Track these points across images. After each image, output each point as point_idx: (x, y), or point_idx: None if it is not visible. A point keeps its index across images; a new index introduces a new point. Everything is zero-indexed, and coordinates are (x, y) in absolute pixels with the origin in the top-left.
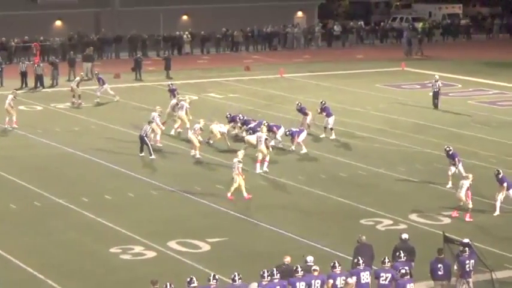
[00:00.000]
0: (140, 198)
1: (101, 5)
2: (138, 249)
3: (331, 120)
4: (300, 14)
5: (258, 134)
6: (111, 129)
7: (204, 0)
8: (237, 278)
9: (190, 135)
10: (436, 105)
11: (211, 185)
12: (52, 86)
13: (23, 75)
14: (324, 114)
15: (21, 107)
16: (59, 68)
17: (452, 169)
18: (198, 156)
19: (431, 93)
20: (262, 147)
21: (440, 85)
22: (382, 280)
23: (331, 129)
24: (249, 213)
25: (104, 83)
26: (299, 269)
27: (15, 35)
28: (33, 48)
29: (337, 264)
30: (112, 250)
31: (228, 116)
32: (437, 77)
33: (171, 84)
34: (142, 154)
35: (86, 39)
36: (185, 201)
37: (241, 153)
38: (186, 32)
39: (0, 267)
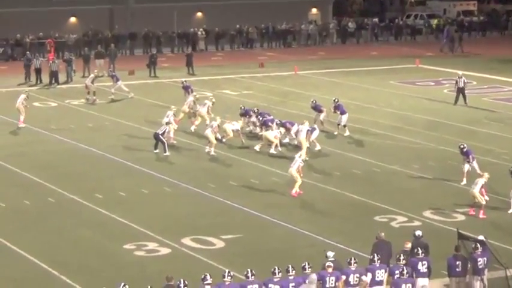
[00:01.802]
0: (154, 195)
1: (115, 2)
2: (152, 245)
3: (344, 118)
4: (314, 10)
5: (300, 126)
6: (125, 126)
7: None
8: (250, 274)
9: (208, 132)
10: (456, 101)
11: (225, 182)
12: (66, 82)
13: (38, 71)
14: (338, 112)
15: (36, 103)
16: (74, 65)
17: (467, 167)
18: (213, 153)
19: (453, 90)
20: (302, 138)
21: (466, 81)
22: (397, 277)
23: (345, 126)
24: (262, 210)
25: (117, 80)
26: (306, 267)
27: (29, 32)
28: (47, 45)
29: (352, 261)
30: (126, 247)
31: (242, 108)
32: (460, 73)
33: (185, 81)
34: (157, 151)
35: (100, 35)
36: (199, 198)
37: (303, 153)
38: (201, 29)
39: (14, 263)
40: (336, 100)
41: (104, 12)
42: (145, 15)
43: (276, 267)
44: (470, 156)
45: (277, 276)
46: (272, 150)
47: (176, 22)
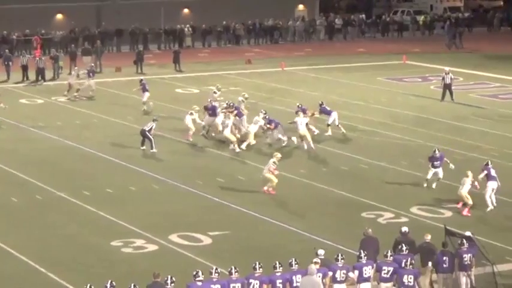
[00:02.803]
0: (142, 192)
1: None
2: (139, 242)
3: (334, 116)
4: (301, 7)
5: (299, 119)
6: (113, 123)
7: None
8: (233, 271)
9: (226, 132)
10: (443, 97)
11: (213, 179)
12: (53, 79)
13: (24, 68)
14: (324, 114)
15: (22, 100)
16: (61, 62)
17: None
18: (238, 150)
19: (439, 86)
20: (302, 130)
21: (452, 77)
22: (384, 273)
23: (338, 125)
24: (250, 206)
25: (91, 77)
26: (293, 263)
27: (16, 29)
28: (34, 42)
29: (339, 257)
30: (113, 243)
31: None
32: (447, 69)
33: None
34: (144, 148)
35: (87, 32)
36: (187, 195)
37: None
38: (187, 26)
39: (2, 260)
40: (321, 103)
41: (90, 9)
42: (132, 12)
43: (257, 263)
44: (440, 162)
45: (258, 271)
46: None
47: (163, 19)
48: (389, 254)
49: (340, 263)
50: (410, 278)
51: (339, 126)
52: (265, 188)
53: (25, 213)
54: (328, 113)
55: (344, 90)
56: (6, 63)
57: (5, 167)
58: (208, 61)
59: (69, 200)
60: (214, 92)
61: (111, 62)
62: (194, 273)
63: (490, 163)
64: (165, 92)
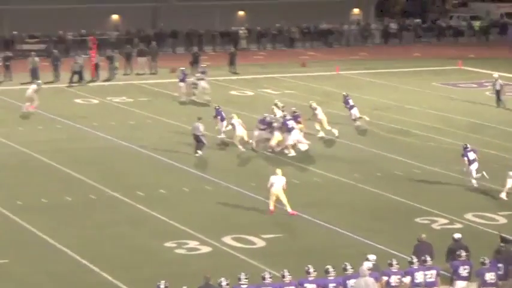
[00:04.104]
0: (195, 193)
1: (158, 0)
2: (192, 244)
3: (354, 111)
4: (356, 11)
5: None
6: (167, 124)
7: None
8: (286, 274)
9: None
10: (498, 104)
11: (266, 181)
12: (108, 79)
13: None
14: (347, 106)
15: (78, 100)
16: (116, 62)
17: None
18: (292, 154)
19: (491, 93)
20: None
21: (502, 83)
22: (428, 278)
23: (356, 119)
24: (303, 209)
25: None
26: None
27: (71, 29)
28: (90, 42)
29: (394, 262)
30: (167, 244)
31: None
32: (496, 75)
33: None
34: (200, 154)
35: (142, 33)
36: (240, 197)
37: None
38: (243, 28)
39: (55, 258)
40: (345, 94)
41: (146, 10)
42: (188, 13)
43: (310, 266)
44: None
45: (311, 275)
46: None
47: (218, 21)
48: (428, 259)
49: (394, 268)
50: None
51: (355, 120)
52: (273, 208)
53: (79, 212)
54: (350, 107)
55: (398, 95)
56: (54, 63)
57: (59, 166)
58: (263, 63)
59: (123, 200)
60: (276, 105)
61: (166, 63)
62: (238, 276)
63: None
64: (220, 94)
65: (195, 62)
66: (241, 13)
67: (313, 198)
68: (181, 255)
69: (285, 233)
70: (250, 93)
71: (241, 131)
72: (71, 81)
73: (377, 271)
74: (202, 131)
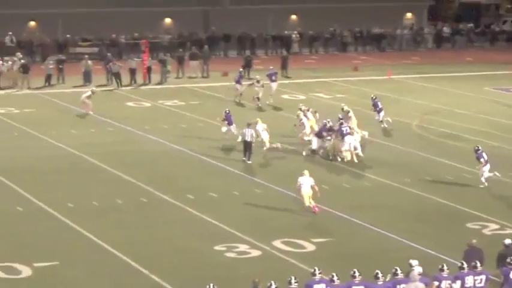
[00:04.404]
0: (245, 197)
1: (211, 3)
2: (242, 247)
3: (382, 114)
4: (409, 15)
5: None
6: (218, 127)
7: None
8: (335, 278)
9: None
10: None
11: (317, 185)
12: (161, 83)
13: (132, 72)
14: (376, 109)
15: (130, 103)
16: (168, 65)
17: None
18: (347, 159)
19: None
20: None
21: None
22: (478, 283)
23: (381, 121)
24: (353, 213)
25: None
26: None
27: (124, 32)
28: (142, 46)
29: (445, 267)
30: (217, 248)
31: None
32: None
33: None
34: (249, 161)
35: (195, 37)
36: (290, 201)
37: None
38: (295, 32)
39: (105, 260)
40: (374, 97)
41: (198, 14)
42: (240, 17)
43: (355, 270)
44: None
45: (357, 278)
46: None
47: (271, 24)
48: (478, 265)
49: (445, 273)
50: None
51: (383, 121)
52: (310, 204)
53: (129, 215)
54: (378, 110)
55: (449, 99)
56: (108, 66)
57: (110, 169)
58: (315, 67)
59: (173, 202)
60: (300, 109)
61: (218, 67)
62: (288, 279)
63: None
64: (272, 98)
65: (247, 65)
66: (293, 17)
67: (363, 202)
68: (231, 258)
69: (335, 237)
70: (302, 97)
71: (266, 137)
72: (118, 85)
73: (428, 275)
74: (252, 137)
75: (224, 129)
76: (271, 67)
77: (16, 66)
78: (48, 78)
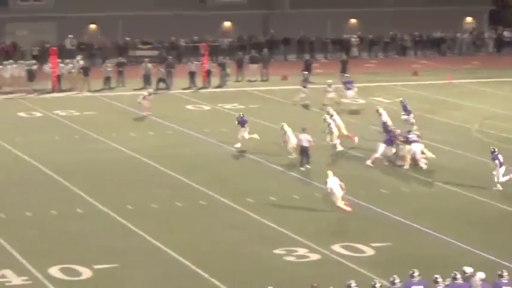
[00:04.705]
0: (305, 200)
1: (270, 7)
2: (301, 251)
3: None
4: (469, 19)
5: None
6: (276, 130)
7: (372, 3)
8: (397, 281)
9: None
10: None
11: (376, 190)
12: (220, 86)
13: (192, 75)
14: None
15: (189, 106)
16: (228, 69)
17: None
18: (406, 167)
19: None
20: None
21: None
22: None
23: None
24: (412, 218)
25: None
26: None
27: (184, 35)
28: (202, 49)
29: (505, 273)
30: (276, 251)
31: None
32: None
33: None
34: (305, 167)
35: (254, 40)
36: (350, 205)
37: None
38: (354, 36)
39: (164, 263)
40: (402, 100)
41: (258, 17)
42: (300, 21)
43: (414, 270)
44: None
45: (416, 277)
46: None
47: (330, 28)
48: None
49: (505, 279)
50: None
51: (413, 124)
52: (342, 204)
53: (188, 218)
54: (408, 113)
55: (510, 104)
56: (167, 69)
57: (169, 172)
58: (374, 71)
59: (232, 206)
60: (328, 113)
61: (278, 71)
62: (347, 283)
63: None
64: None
65: (307, 69)
66: (353, 21)
67: (422, 207)
68: (290, 262)
69: (394, 241)
70: (361, 101)
71: (294, 140)
72: (157, 88)
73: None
74: (308, 142)
75: (241, 133)
76: (346, 74)
77: (76, 69)
78: (107, 80)
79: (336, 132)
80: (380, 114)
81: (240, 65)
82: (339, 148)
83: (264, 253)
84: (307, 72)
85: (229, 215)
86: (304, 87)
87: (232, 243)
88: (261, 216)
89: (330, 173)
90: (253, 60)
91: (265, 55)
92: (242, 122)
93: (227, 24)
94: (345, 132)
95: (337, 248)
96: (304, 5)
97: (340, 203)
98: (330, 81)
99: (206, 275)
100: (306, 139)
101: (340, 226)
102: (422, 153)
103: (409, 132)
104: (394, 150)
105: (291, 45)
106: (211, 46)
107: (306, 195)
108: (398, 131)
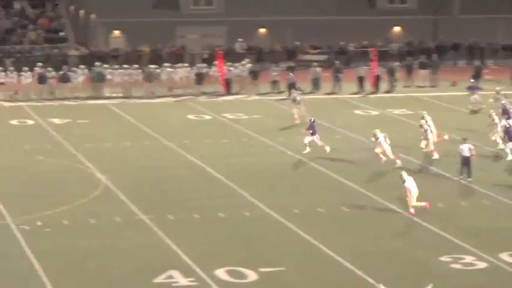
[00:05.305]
0: (472, 208)
1: (440, 12)
2: (469, 259)
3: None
4: None
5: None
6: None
7: None
8: None
9: None
10: None
11: None
12: (389, 91)
13: (360, 79)
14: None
15: (357, 111)
16: (396, 74)
17: None
18: None
19: None
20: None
21: None
22: None
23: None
24: None
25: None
26: None
27: (353, 40)
28: (371, 54)
29: None
30: (442, 259)
31: None
32: None
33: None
34: (466, 179)
35: (424, 46)
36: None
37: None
38: None
39: (329, 268)
40: (503, 103)
41: (427, 22)
42: (469, 26)
43: None
44: None
45: None
46: None
47: (501, 33)
48: None
49: None
50: None
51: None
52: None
53: (355, 223)
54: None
55: None
56: (336, 74)
57: (335, 175)
58: None
59: (396, 211)
60: (423, 118)
61: (447, 76)
62: None
63: None
64: (496, 107)
65: (477, 75)
66: None
67: None
68: (456, 269)
69: None
70: None
71: (386, 146)
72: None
73: None
74: (469, 151)
75: (308, 139)
76: (472, 80)
77: (245, 73)
78: (273, 84)
79: (431, 138)
80: None
81: (409, 70)
82: (435, 156)
83: (430, 260)
84: (473, 80)
85: (394, 220)
86: (473, 93)
87: (398, 250)
88: (428, 223)
89: (404, 173)
90: (422, 66)
91: (434, 60)
92: (311, 128)
93: (397, 29)
94: (435, 139)
95: (504, 256)
96: (474, 10)
97: (415, 202)
98: (498, 88)
99: (371, 280)
100: (467, 148)
101: (508, 234)
102: None
103: None
104: None
105: (461, 50)
106: (381, 51)
107: (474, 203)
108: None
